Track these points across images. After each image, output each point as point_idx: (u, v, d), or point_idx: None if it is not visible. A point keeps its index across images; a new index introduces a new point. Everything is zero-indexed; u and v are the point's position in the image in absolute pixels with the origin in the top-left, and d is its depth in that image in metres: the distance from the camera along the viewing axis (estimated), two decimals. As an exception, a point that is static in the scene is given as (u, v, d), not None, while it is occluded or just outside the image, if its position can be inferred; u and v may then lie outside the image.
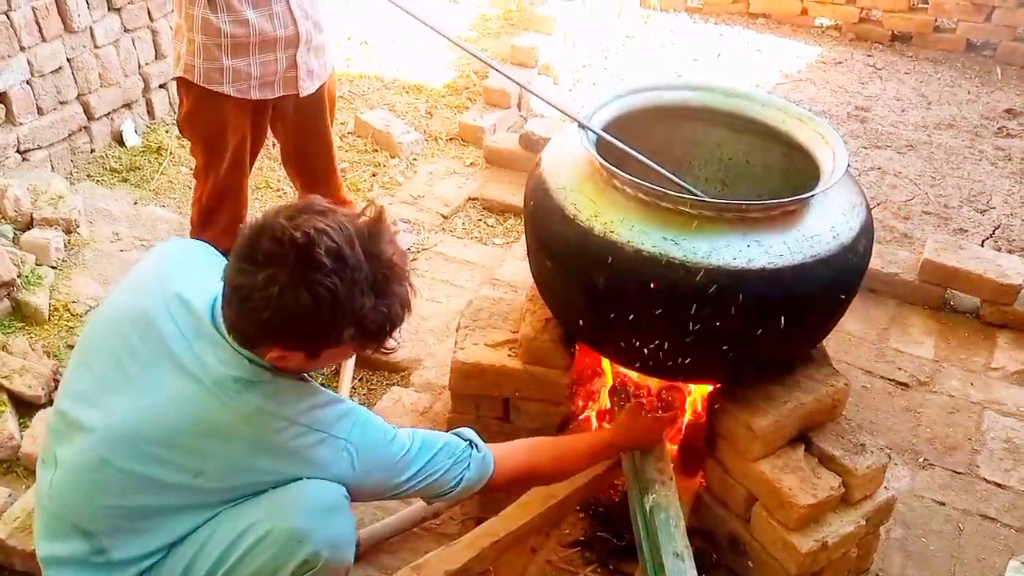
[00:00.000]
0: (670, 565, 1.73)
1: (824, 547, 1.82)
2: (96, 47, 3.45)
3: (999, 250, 3.28)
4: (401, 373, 2.65)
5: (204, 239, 2.12)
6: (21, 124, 3.22)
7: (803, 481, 1.83)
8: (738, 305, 1.69)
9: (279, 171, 3.37)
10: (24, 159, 3.27)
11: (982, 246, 3.30)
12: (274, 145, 3.02)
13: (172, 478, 1.40)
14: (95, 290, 2.80)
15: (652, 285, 1.69)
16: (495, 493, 1.81)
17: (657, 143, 2.10)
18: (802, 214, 1.76)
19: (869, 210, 1.89)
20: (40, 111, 3.29)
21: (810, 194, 1.75)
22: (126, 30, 3.57)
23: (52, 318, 2.69)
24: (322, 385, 2.52)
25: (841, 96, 4.57)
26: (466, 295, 2.92)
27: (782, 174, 2.09)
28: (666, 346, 1.83)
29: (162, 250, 1.63)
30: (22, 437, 2.27)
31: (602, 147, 1.89)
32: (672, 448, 2.03)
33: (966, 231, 3.49)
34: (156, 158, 3.59)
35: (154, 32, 3.70)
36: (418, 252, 3.20)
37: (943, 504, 2.27)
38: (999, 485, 2.33)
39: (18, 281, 2.68)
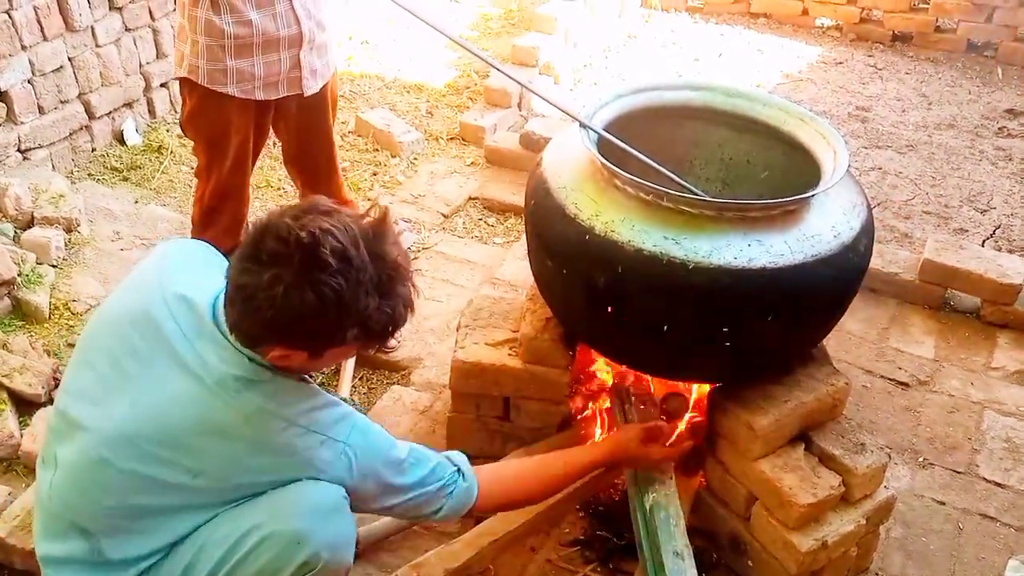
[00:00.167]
0: (670, 564, 1.74)
1: (824, 546, 1.82)
2: (97, 46, 3.45)
3: (999, 250, 3.28)
4: (401, 372, 2.65)
5: (205, 238, 2.13)
6: (22, 123, 3.23)
7: (803, 480, 1.83)
8: (739, 304, 1.69)
9: (280, 170, 3.37)
10: (25, 158, 3.27)
11: (982, 246, 3.30)
12: (275, 144, 3.02)
13: (172, 478, 1.40)
14: (95, 289, 2.80)
15: (652, 285, 1.69)
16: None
17: (658, 143, 2.10)
18: (803, 214, 1.76)
19: (870, 210, 1.89)
20: (41, 110, 3.29)
21: (811, 194, 1.75)
22: (127, 29, 3.57)
23: (52, 317, 2.69)
24: (322, 384, 2.54)
25: (842, 96, 4.57)
26: (466, 294, 2.92)
27: (783, 174, 2.09)
28: (667, 345, 1.83)
29: (163, 250, 1.63)
30: (22, 435, 2.27)
31: (603, 147, 1.89)
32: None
33: (966, 231, 3.49)
34: (157, 157, 3.60)
35: (155, 31, 3.71)
36: (419, 251, 3.20)
37: (943, 503, 2.27)
38: (999, 484, 2.34)
39: (19, 280, 2.68)
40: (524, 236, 2.11)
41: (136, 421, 1.40)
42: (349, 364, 2.59)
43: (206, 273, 1.51)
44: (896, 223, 3.51)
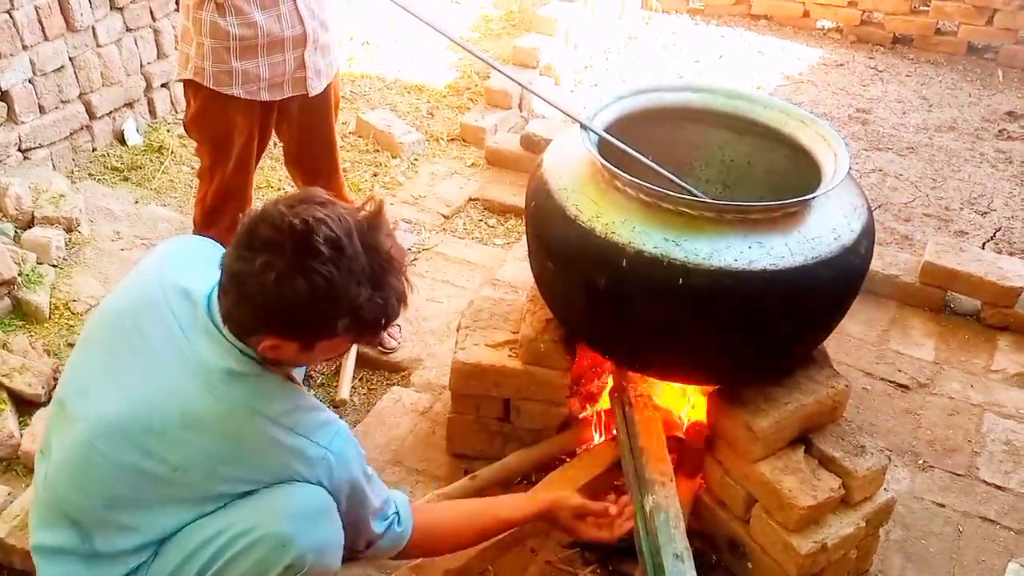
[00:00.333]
0: (670, 566, 1.73)
1: (824, 549, 1.82)
2: (98, 46, 3.45)
3: (1000, 252, 3.28)
4: (402, 373, 2.65)
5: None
6: (23, 123, 3.23)
7: (803, 482, 1.83)
8: (739, 306, 1.69)
9: (280, 171, 3.37)
10: (26, 158, 3.27)
11: (983, 248, 3.30)
12: (276, 145, 3.02)
13: (156, 469, 1.39)
14: (96, 289, 2.80)
15: (653, 286, 1.69)
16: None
17: (659, 144, 2.10)
18: (803, 216, 1.76)
19: (870, 212, 1.89)
20: (42, 110, 3.29)
21: (811, 196, 1.75)
22: (128, 29, 3.57)
23: (52, 317, 2.69)
24: (322, 385, 2.54)
25: (842, 98, 4.57)
26: (467, 295, 2.92)
27: (784, 176, 2.09)
28: (667, 347, 1.83)
29: (166, 245, 1.64)
30: (22, 435, 2.27)
31: (604, 148, 1.89)
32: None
33: (967, 233, 3.49)
34: (158, 157, 3.60)
35: (156, 31, 3.71)
36: (419, 252, 3.20)
37: (943, 506, 2.27)
38: (999, 487, 2.33)
39: (19, 279, 2.68)
40: (524, 237, 2.11)
41: (125, 411, 1.40)
42: (349, 365, 2.59)
43: (207, 267, 1.50)
44: (896, 225, 3.51)
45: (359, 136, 3.90)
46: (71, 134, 3.43)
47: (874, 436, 2.34)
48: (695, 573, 1.75)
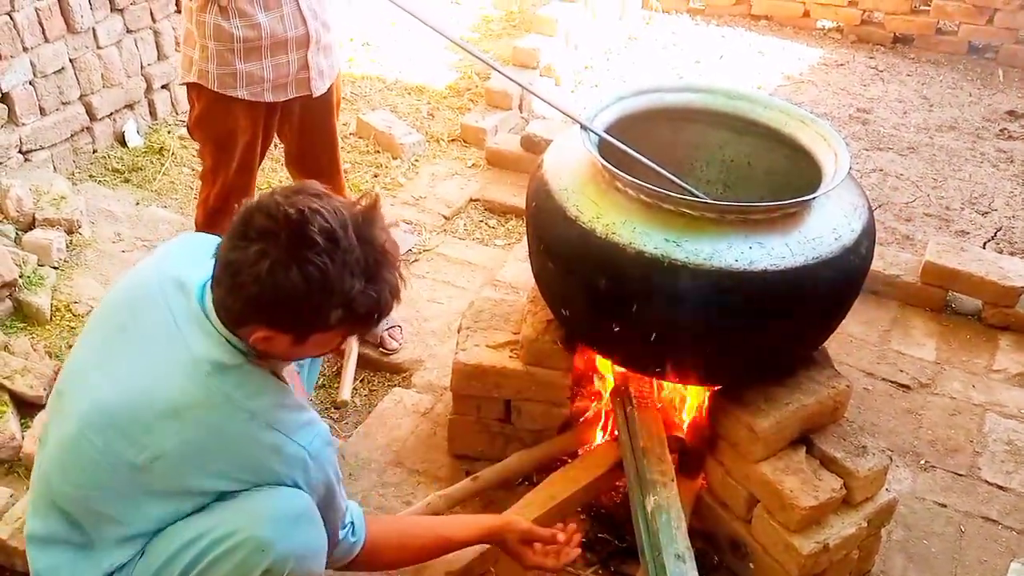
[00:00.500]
0: (671, 567, 1.73)
1: (825, 549, 1.82)
2: (99, 48, 3.46)
3: (1001, 252, 3.28)
4: (403, 374, 2.65)
5: (209, 239, 2.13)
6: (24, 124, 3.23)
7: (804, 483, 1.83)
8: (740, 307, 1.69)
9: (281, 172, 3.37)
10: (26, 159, 3.27)
11: (984, 248, 3.30)
12: (276, 146, 3.02)
13: (137, 458, 1.39)
14: (97, 290, 2.80)
15: (653, 287, 1.69)
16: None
17: (659, 145, 2.10)
18: (804, 216, 1.76)
19: (871, 212, 1.89)
20: (43, 111, 3.29)
21: (812, 196, 1.75)
22: (129, 31, 3.58)
23: (54, 318, 2.69)
24: (323, 386, 2.54)
25: (843, 98, 4.57)
26: (468, 296, 2.92)
27: (784, 176, 2.09)
28: (667, 347, 1.83)
29: (169, 242, 1.66)
30: (23, 437, 2.27)
31: (604, 149, 1.89)
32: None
33: (968, 233, 3.49)
34: (158, 159, 3.60)
35: (156, 33, 3.71)
36: (419, 253, 3.20)
37: (945, 506, 2.27)
38: (1001, 487, 2.33)
39: (20, 281, 2.68)
40: (525, 238, 2.11)
41: (113, 401, 1.41)
42: (350, 366, 2.59)
43: (206, 260, 1.50)
44: (897, 225, 3.51)
45: (359, 137, 3.90)
46: (72, 136, 3.43)
47: (875, 436, 2.34)
48: (697, 573, 1.75)
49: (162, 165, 3.56)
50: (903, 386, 2.66)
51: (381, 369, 2.67)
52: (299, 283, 1.30)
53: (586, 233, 1.75)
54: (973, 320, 2.94)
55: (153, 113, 3.79)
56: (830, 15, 5.35)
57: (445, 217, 3.44)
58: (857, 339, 2.83)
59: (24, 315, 2.67)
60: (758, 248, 1.68)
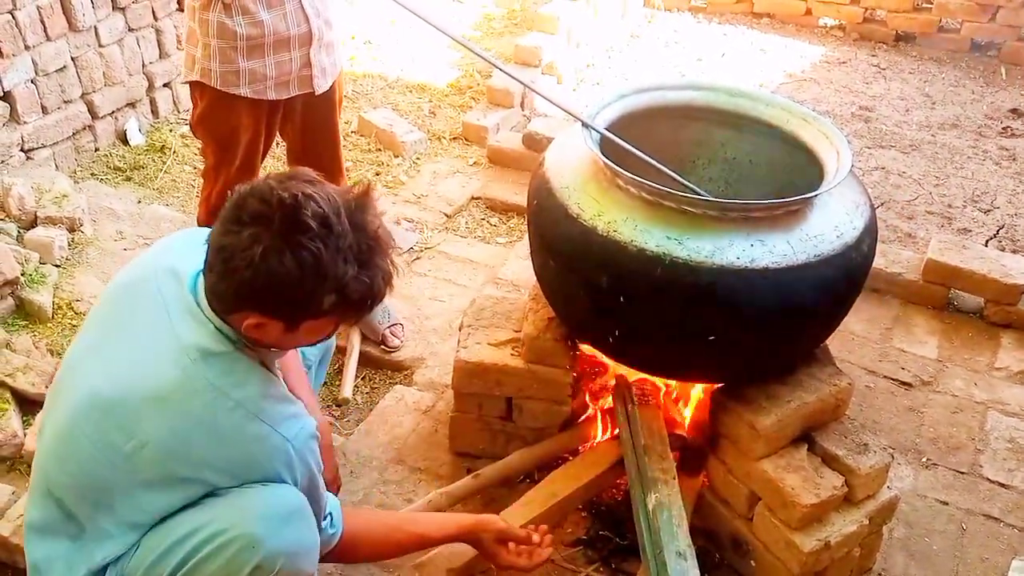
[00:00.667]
0: (673, 564, 1.73)
1: (827, 547, 1.82)
2: (100, 46, 3.46)
3: (1003, 250, 3.27)
4: (404, 372, 2.65)
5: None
6: (25, 123, 3.23)
7: (806, 480, 1.83)
8: (741, 304, 1.69)
9: (283, 170, 3.37)
10: (28, 158, 3.27)
11: (986, 246, 3.29)
12: (278, 145, 3.02)
13: (125, 446, 1.39)
14: (99, 288, 2.80)
15: (655, 285, 1.69)
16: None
17: (661, 143, 2.09)
18: (806, 214, 1.76)
19: (873, 210, 1.89)
20: (44, 110, 3.30)
21: (814, 194, 1.75)
22: (130, 29, 3.58)
23: (56, 316, 2.70)
24: (325, 384, 2.53)
25: (845, 96, 4.57)
26: (469, 294, 2.92)
27: (786, 174, 2.09)
28: (669, 345, 1.83)
29: (168, 236, 1.67)
30: (25, 435, 2.28)
31: (606, 146, 1.89)
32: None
33: (970, 231, 3.48)
34: (160, 157, 3.60)
35: (158, 31, 3.71)
36: (421, 251, 3.21)
37: (946, 504, 2.27)
38: (1002, 485, 2.33)
39: (22, 279, 2.69)
40: (527, 236, 2.11)
41: (105, 388, 1.41)
42: (352, 364, 2.59)
43: (202, 252, 1.50)
44: (899, 223, 3.50)
45: (361, 135, 3.90)
46: (74, 134, 3.43)
47: (877, 434, 2.34)
48: (698, 571, 1.75)
49: (164, 163, 3.57)
50: (905, 384, 2.66)
51: (382, 367, 2.67)
52: (292, 268, 1.30)
53: (587, 231, 1.75)
54: (975, 318, 2.94)
55: (155, 111, 3.79)
56: (832, 13, 5.34)
57: (447, 215, 3.44)
58: (859, 337, 2.83)
59: (26, 313, 2.68)
60: (759, 246, 1.68)
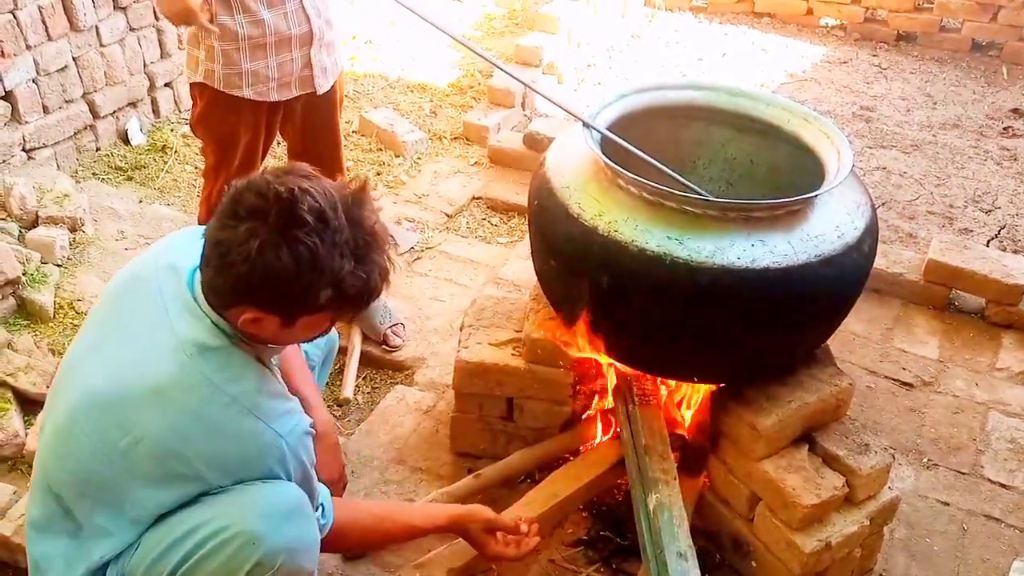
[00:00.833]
0: (673, 565, 1.73)
1: (828, 547, 1.82)
2: (102, 46, 3.46)
3: (1004, 250, 3.27)
4: (405, 372, 2.65)
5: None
6: (27, 122, 3.23)
7: (807, 481, 1.82)
8: (742, 305, 1.69)
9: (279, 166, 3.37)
10: (30, 157, 3.28)
11: (987, 246, 3.29)
12: (279, 144, 3.02)
13: (121, 441, 1.39)
14: (100, 288, 2.81)
15: (656, 284, 1.69)
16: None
17: (661, 142, 2.09)
18: (807, 214, 1.76)
19: (874, 210, 1.89)
20: (46, 109, 3.30)
21: (815, 194, 1.75)
22: (132, 29, 3.58)
23: (57, 316, 2.70)
24: (326, 384, 2.53)
25: (846, 96, 4.56)
26: (470, 294, 2.92)
27: (787, 174, 2.09)
28: (670, 345, 1.83)
29: (170, 234, 1.68)
30: (27, 435, 2.28)
31: (606, 146, 1.88)
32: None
33: (971, 231, 3.48)
34: (161, 157, 3.60)
35: (159, 31, 3.71)
36: (422, 251, 3.21)
37: (947, 504, 2.27)
38: (1003, 486, 2.33)
39: (23, 279, 2.69)
40: (527, 236, 2.11)
41: (102, 385, 1.42)
42: (353, 364, 2.59)
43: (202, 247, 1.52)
44: (900, 223, 3.50)
45: (362, 135, 3.90)
46: (75, 134, 3.44)
47: (878, 434, 2.34)
48: (699, 572, 1.75)
49: (165, 163, 3.57)
50: (906, 384, 2.66)
51: (383, 367, 2.67)
52: (289, 263, 1.30)
53: (588, 231, 1.75)
54: (976, 318, 2.94)
55: (156, 111, 3.80)
56: (833, 12, 5.34)
57: (447, 215, 3.44)
58: (860, 337, 2.83)
59: (27, 312, 2.68)
60: (760, 246, 1.68)
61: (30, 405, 2.39)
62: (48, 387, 2.38)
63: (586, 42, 4.73)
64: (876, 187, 3.71)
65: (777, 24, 5.41)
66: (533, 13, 4.79)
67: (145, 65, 3.69)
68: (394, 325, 2.70)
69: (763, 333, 1.76)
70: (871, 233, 1.83)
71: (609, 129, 1.93)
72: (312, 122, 2.49)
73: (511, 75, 2.14)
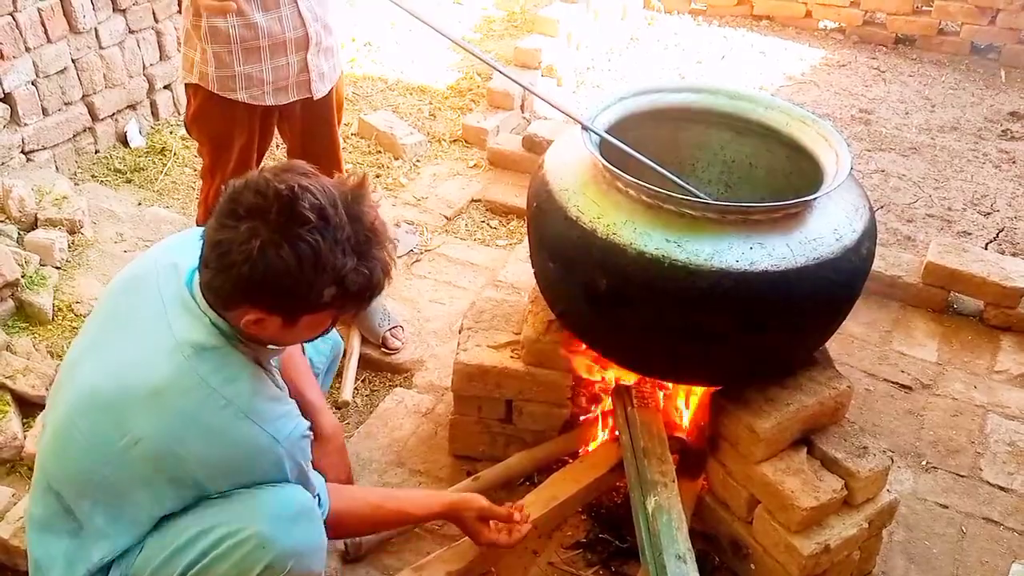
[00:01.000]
0: (672, 567, 1.73)
1: (826, 550, 1.82)
2: (101, 48, 3.46)
3: (1003, 253, 3.28)
4: (404, 374, 2.65)
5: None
6: (26, 125, 3.23)
7: (805, 483, 1.83)
8: (741, 307, 1.69)
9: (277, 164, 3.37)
10: (29, 160, 3.28)
11: (986, 249, 3.29)
12: (278, 146, 3.03)
13: (119, 442, 1.38)
14: (99, 291, 2.80)
15: (654, 287, 1.69)
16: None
17: (660, 145, 2.10)
18: (805, 216, 1.76)
19: (872, 212, 1.89)
20: (45, 112, 3.30)
21: (813, 196, 1.75)
22: (131, 31, 3.58)
23: (56, 318, 2.70)
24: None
25: (845, 99, 4.57)
26: (469, 297, 2.92)
27: (785, 176, 2.09)
28: (668, 348, 1.83)
29: (174, 234, 1.68)
30: (25, 438, 2.27)
31: (605, 149, 1.89)
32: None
33: (970, 234, 3.48)
34: (160, 159, 3.60)
35: (159, 33, 3.71)
36: (421, 254, 3.21)
37: (946, 507, 2.27)
38: (1002, 488, 2.33)
39: (22, 281, 2.69)
40: (526, 238, 2.11)
41: (100, 384, 1.41)
42: (352, 366, 2.59)
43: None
44: (899, 226, 3.50)
45: (361, 137, 3.90)
46: (74, 136, 3.44)
47: (877, 437, 2.33)
48: (697, 574, 1.75)
49: (164, 165, 3.57)
50: (904, 387, 2.66)
51: (382, 369, 2.67)
52: (291, 261, 1.29)
53: (587, 233, 1.75)
54: (975, 321, 2.94)
55: (155, 113, 3.80)
56: (832, 15, 5.34)
57: (447, 217, 3.44)
58: (858, 340, 2.83)
59: (26, 315, 2.68)
60: (759, 249, 1.68)
61: (29, 408, 2.39)
62: (47, 389, 2.38)
63: (585, 45, 4.74)
64: (875, 190, 3.71)
65: (776, 27, 5.41)
66: (532, 16, 4.80)
67: (144, 67, 3.69)
68: (393, 328, 2.70)
69: (762, 336, 1.76)
70: (869, 236, 1.83)
71: (608, 132, 1.93)
72: (311, 125, 2.49)
73: (510, 78, 2.15)
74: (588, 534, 2.08)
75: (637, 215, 1.73)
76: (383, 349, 2.68)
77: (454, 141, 3.97)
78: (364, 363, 2.65)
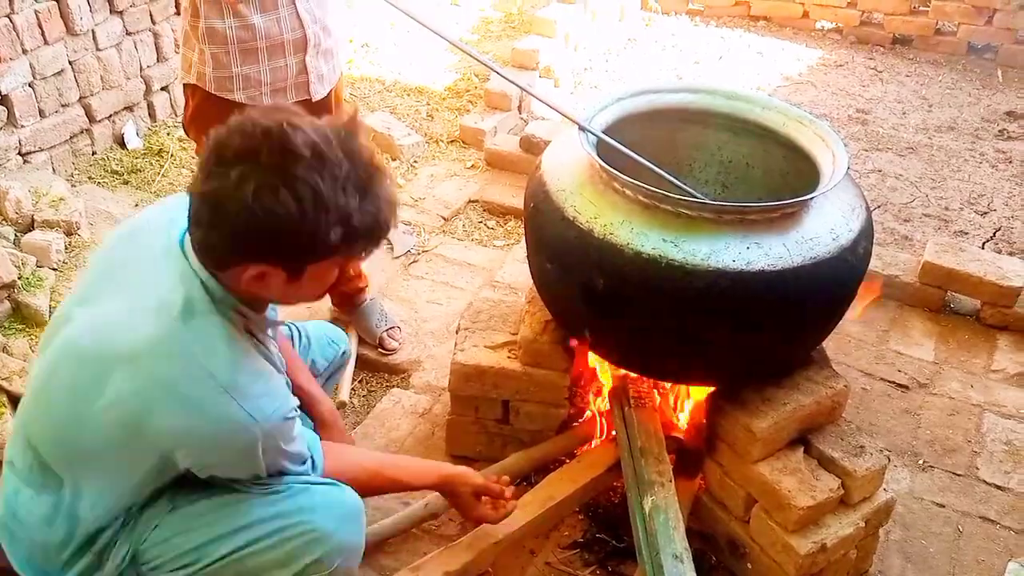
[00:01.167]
0: (669, 567, 1.73)
1: (823, 549, 1.82)
2: (98, 50, 3.46)
3: (999, 252, 3.28)
4: (401, 375, 2.65)
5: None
6: (23, 126, 3.23)
7: (802, 483, 1.83)
8: (737, 307, 1.69)
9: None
10: (25, 161, 3.27)
11: (983, 248, 3.30)
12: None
13: (96, 402, 1.31)
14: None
15: (651, 287, 1.69)
16: None
17: (657, 146, 2.10)
18: (802, 216, 1.76)
19: (869, 212, 1.89)
20: (42, 113, 3.30)
21: (810, 196, 1.75)
22: (128, 33, 3.58)
23: (53, 320, 2.70)
24: (322, 387, 2.52)
25: (842, 99, 4.57)
26: (466, 297, 2.93)
27: (782, 177, 2.09)
28: (665, 348, 1.83)
29: (176, 194, 1.62)
30: (23, 438, 2.27)
31: (602, 149, 1.89)
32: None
33: (967, 233, 3.49)
34: (157, 160, 3.60)
35: (156, 35, 3.71)
36: (419, 254, 3.21)
37: (943, 506, 2.27)
38: (999, 487, 2.33)
39: (19, 283, 2.68)
40: (524, 239, 2.12)
41: (85, 336, 1.35)
42: (349, 367, 2.59)
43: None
44: (896, 225, 3.51)
45: (359, 138, 3.90)
46: (71, 138, 3.43)
47: (873, 436, 2.34)
48: (694, 574, 1.75)
49: (161, 167, 3.57)
50: (901, 386, 2.67)
51: (379, 370, 2.67)
52: (291, 205, 1.18)
53: (584, 233, 1.75)
54: (971, 320, 2.94)
55: (152, 115, 3.80)
56: (829, 16, 5.35)
57: (444, 218, 3.44)
58: (855, 339, 2.83)
59: (23, 316, 2.67)
60: (756, 248, 1.68)
61: (26, 409, 2.39)
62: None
63: (583, 46, 4.74)
64: (871, 190, 3.72)
65: (773, 27, 5.42)
66: (530, 17, 4.80)
67: (141, 69, 3.69)
68: (390, 328, 2.70)
69: (758, 335, 1.77)
70: (866, 235, 1.83)
71: (605, 132, 1.93)
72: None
73: (508, 79, 2.15)
74: (585, 534, 2.08)
75: (634, 215, 1.73)
76: (380, 350, 2.68)
77: (451, 142, 3.97)
78: (361, 364, 2.66)
